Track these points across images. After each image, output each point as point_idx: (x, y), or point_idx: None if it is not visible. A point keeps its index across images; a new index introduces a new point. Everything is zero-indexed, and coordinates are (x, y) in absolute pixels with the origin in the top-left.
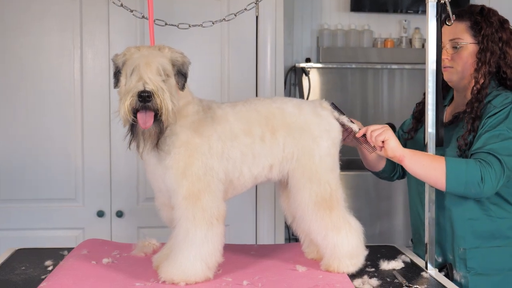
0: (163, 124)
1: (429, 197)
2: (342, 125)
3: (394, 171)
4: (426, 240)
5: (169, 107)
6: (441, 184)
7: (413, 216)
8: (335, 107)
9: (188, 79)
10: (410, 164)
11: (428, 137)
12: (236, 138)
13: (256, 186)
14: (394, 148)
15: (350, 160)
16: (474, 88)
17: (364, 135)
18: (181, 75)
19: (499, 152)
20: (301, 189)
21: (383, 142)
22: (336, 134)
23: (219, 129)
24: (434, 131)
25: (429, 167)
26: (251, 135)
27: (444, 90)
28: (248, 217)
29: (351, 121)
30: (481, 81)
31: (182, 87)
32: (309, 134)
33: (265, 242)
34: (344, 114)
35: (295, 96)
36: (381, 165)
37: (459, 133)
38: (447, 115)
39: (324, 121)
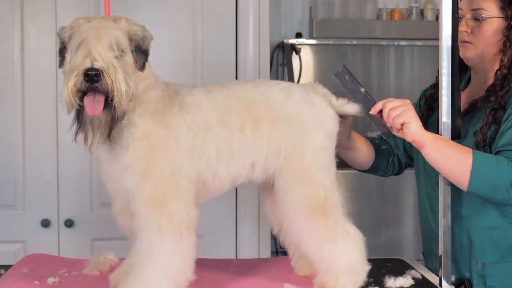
0: (115, 111)
1: (443, 201)
2: (353, 92)
3: (387, 168)
4: (440, 252)
5: (122, 89)
6: (463, 181)
7: (423, 224)
8: (347, 71)
9: (151, 58)
10: (431, 152)
11: (442, 128)
12: (210, 130)
13: (236, 188)
14: (415, 132)
15: None
16: (499, 72)
17: (380, 112)
18: (141, 52)
19: None
20: (289, 191)
21: (402, 124)
22: (331, 125)
23: (190, 119)
24: (449, 121)
25: (452, 158)
26: (229, 127)
27: (459, 70)
28: (227, 225)
29: (368, 93)
30: (508, 64)
31: (142, 67)
32: (300, 125)
33: (247, 256)
34: (359, 83)
35: (283, 79)
36: (368, 164)
37: (477, 126)
38: (462, 102)
39: (317, 109)
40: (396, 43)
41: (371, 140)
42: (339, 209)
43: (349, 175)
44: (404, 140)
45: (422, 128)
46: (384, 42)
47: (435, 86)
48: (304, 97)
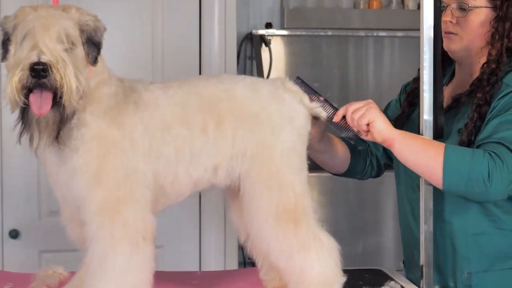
0: (65, 109)
1: (425, 205)
2: (312, 108)
3: (364, 170)
4: (422, 261)
5: (72, 85)
6: (437, 178)
7: (403, 231)
8: (302, 83)
9: (105, 52)
10: (401, 150)
11: (424, 126)
12: (168, 129)
13: (200, 193)
14: (382, 130)
15: None
16: (486, 66)
17: (344, 118)
18: (93, 44)
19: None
20: (257, 197)
21: (368, 125)
22: (302, 123)
23: (146, 117)
24: (431, 118)
25: (423, 154)
26: (190, 126)
27: (443, 63)
28: (189, 234)
29: (327, 102)
30: (496, 58)
31: (94, 61)
32: (267, 124)
33: (212, 268)
34: (316, 93)
35: (251, 74)
36: (344, 167)
37: (461, 122)
38: (445, 98)
39: (286, 106)
40: (375, 34)
41: (346, 141)
42: (311, 215)
43: (323, 178)
44: None
45: (389, 125)
46: (362, 33)
47: (417, 80)
48: (273, 93)
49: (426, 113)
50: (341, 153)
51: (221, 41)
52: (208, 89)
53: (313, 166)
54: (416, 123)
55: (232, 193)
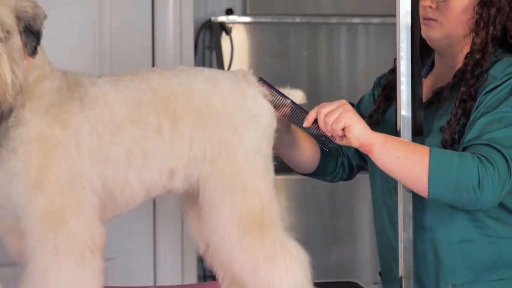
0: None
1: (404, 210)
2: (277, 107)
3: (335, 171)
4: (401, 272)
5: (7, 78)
6: (422, 186)
7: (380, 239)
8: (265, 83)
9: (46, 42)
10: (381, 156)
11: (401, 123)
12: (118, 129)
13: (154, 200)
14: (359, 134)
15: None
16: (470, 57)
17: (316, 122)
18: (31, 34)
19: (503, 143)
20: (218, 203)
21: (343, 129)
22: (268, 121)
23: (93, 115)
24: (409, 114)
25: (406, 160)
26: (142, 126)
27: (421, 53)
28: (142, 245)
29: (296, 105)
30: (481, 47)
31: (33, 52)
32: (229, 123)
33: (168, 282)
34: (282, 95)
35: (210, 66)
36: (313, 165)
37: (443, 119)
38: (424, 91)
39: (250, 102)
40: (348, 20)
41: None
42: (278, 223)
43: (291, 181)
44: None
45: (367, 129)
46: (334, 20)
47: (394, 72)
48: (234, 88)
49: (404, 108)
50: (310, 149)
51: (176, 30)
52: (162, 83)
53: (281, 168)
54: (393, 120)
55: (190, 199)
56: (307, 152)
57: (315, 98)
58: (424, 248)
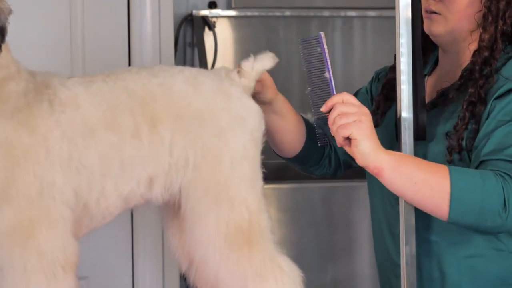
0: None
1: (406, 222)
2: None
3: (320, 162)
4: None
5: None
6: (442, 211)
7: (379, 253)
8: (321, 44)
9: (12, 40)
10: (393, 181)
11: (402, 126)
12: (92, 134)
13: (132, 212)
14: (365, 155)
15: (284, 164)
16: (478, 54)
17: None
18: None
19: None
20: (202, 215)
21: (348, 138)
22: (255, 123)
23: (64, 120)
24: (411, 116)
25: (423, 184)
26: (118, 130)
27: (424, 49)
28: (120, 262)
29: (330, 82)
30: (489, 44)
31: None
32: (212, 126)
33: None
34: (328, 67)
35: (192, 64)
36: (296, 147)
37: (449, 123)
38: (427, 91)
39: (235, 103)
40: (342, 13)
41: (306, 119)
42: (268, 236)
43: (282, 190)
44: None
45: (377, 149)
46: (327, 13)
47: (394, 69)
48: (217, 88)
49: (405, 110)
50: (295, 124)
51: (155, 25)
52: (139, 84)
53: (270, 176)
54: (393, 122)
55: (171, 211)
56: (291, 127)
57: (306, 99)
58: (428, 263)
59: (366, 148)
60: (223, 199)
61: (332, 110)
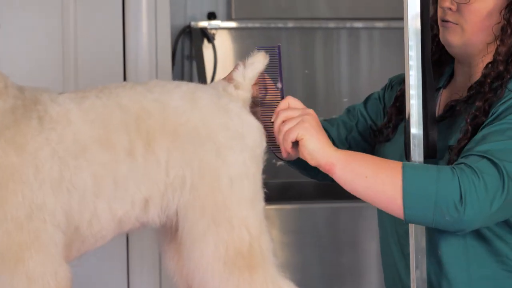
0: None
1: (416, 243)
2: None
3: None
4: None
5: None
6: (397, 209)
7: (388, 274)
8: (278, 55)
9: (0, 53)
10: (345, 177)
11: (412, 143)
12: (84, 153)
13: (127, 236)
14: (314, 151)
15: (287, 184)
16: (491, 67)
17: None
18: None
19: (499, 156)
20: (200, 237)
21: (297, 142)
22: (256, 140)
23: (54, 137)
24: (421, 133)
25: (375, 179)
26: (112, 148)
27: (442, 61)
28: (114, 287)
29: (281, 93)
30: (505, 58)
31: None
32: (211, 144)
33: None
34: (280, 77)
35: (191, 78)
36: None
37: (455, 137)
38: (442, 104)
39: (234, 119)
40: (348, 25)
41: None
42: (270, 259)
43: (285, 211)
44: (353, 134)
45: (326, 146)
46: (332, 24)
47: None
48: (215, 104)
49: (415, 126)
50: None
51: (151, 37)
52: (134, 100)
53: (272, 197)
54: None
55: (168, 233)
56: None
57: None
58: (439, 285)
59: (314, 145)
60: (221, 221)
61: (275, 119)
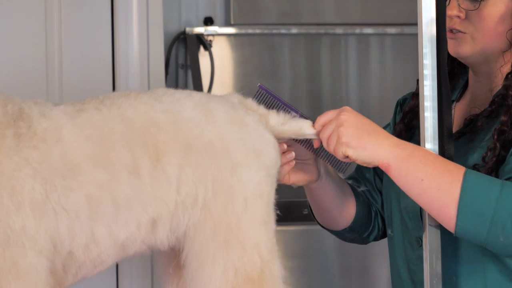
0: None
1: (430, 268)
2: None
3: (370, 226)
4: None
5: None
6: (449, 218)
7: None
8: (266, 94)
9: None
10: (399, 178)
11: None
12: (75, 172)
13: None
14: (366, 160)
15: (293, 203)
16: (511, 77)
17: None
18: None
19: None
20: (209, 260)
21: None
22: (272, 158)
23: (35, 157)
24: (436, 148)
25: (431, 183)
26: (110, 166)
27: (454, 70)
28: None
29: (304, 117)
30: None
31: None
32: (226, 160)
33: None
34: (289, 107)
35: (186, 87)
36: (346, 218)
37: (477, 154)
38: (456, 118)
39: (251, 134)
40: (357, 30)
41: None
42: (280, 286)
43: (291, 233)
44: (376, 183)
45: (375, 147)
46: (339, 30)
47: (417, 96)
48: (231, 116)
49: (429, 141)
50: (342, 188)
51: (143, 45)
52: (139, 111)
53: (282, 217)
54: None
55: (167, 256)
56: (335, 210)
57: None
58: None
59: (363, 155)
60: (233, 243)
61: (321, 136)
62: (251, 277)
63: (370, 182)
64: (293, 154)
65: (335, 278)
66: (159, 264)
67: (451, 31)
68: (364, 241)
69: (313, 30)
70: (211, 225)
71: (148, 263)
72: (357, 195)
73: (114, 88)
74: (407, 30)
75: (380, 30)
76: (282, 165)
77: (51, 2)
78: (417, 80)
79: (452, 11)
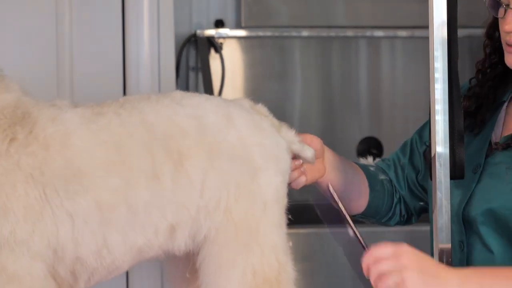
0: None
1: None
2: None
3: (390, 212)
4: None
5: None
6: None
7: None
8: (331, 198)
9: None
10: None
11: (437, 163)
12: (81, 178)
13: None
14: None
15: (298, 206)
16: None
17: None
18: None
19: None
20: (228, 263)
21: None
22: (287, 163)
23: (32, 162)
24: (447, 152)
25: None
26: (126, 172)
27: (506, 74)
28: None
29: (357, 238)
30: None
31: None
32: (248, 164)
33: None
34: (346, 220)
35: (196, 91)
36: (357, 206)
37: None
38: (508, 122)
39: (270, 139)
40: (368, 33)
41: (362, 166)
42: None
43: (299, 236)
44: (406, 171)
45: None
46: (350, 33)
47: (469, 98)
48: (250, 122)
49: (440, 144)
50: (355, 177)
51: (153, 47)
52: (162, 116)
53: (291, 219)
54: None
55: (180, 259)
56: (353, 181)
57: (328, 132)
58: None
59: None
60: (253, 246)
61: (370, 275)
62: (269, 279)
63: (403, 169)
64: (300, 160)
65: (345, 283)
66: (170, 266)
67: (508, 45)
68: (384, 225)
69: (324, 33)
70: (232, 229)
71: (157, 263)
72: (373, 184)
73: (124, 90)
74: (418, 33)
75: (391, 33)
76: (292, 170)
77: (62, 5)
78: (470, 80)
79: (504, 27)
